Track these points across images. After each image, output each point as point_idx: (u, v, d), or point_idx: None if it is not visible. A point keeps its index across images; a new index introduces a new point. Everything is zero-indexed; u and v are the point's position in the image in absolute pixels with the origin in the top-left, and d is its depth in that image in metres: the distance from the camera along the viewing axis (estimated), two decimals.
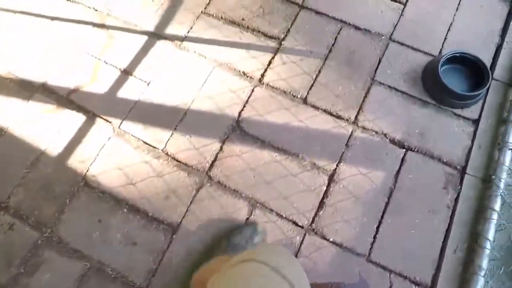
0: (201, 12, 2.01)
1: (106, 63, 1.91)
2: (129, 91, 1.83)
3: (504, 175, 1.46)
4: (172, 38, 1.95)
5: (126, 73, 1.87)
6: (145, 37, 1.96)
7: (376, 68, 1.80)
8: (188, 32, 1.96)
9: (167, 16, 2.01)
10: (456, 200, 1.53)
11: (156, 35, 1.96)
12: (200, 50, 1.90)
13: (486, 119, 1.65)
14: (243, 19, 1.97)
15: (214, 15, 2.00)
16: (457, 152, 1.62)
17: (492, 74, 1.72)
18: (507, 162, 1.48)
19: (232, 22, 1.98)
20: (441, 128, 1.67)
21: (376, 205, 1.56)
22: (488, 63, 1.78)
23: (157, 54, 1.90)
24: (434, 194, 1.55)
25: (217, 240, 1.49)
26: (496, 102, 1.69)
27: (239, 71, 1.84)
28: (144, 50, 1.92)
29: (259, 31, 1.94)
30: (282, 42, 1.89)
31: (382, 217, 1.54)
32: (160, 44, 1.93)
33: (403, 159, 1.63)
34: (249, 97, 1.77)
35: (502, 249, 1.44)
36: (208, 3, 2.03)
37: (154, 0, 2.06)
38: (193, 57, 1.89)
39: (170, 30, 1.97)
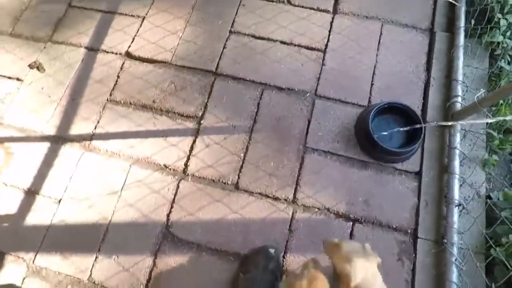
0: (107, 100, 1.78)
1: (6, 185, 1.65)
2: (39, 215, 1.58)
3: (455, 238, 1.36)
4: (78, 139, 1.72)
5: (32, 192, 1.62)
6: (47, 144, 1.71)
7: (307, 133, 1.65)
8: (96, 128, 1.73)
9: (69, 113, 1.77)
10: (413, 271, 1.41)
11: (59, 139, 1.72)
12: (112, 147, 1.68)
13: (428, 170, 1.55)
14: (154, 101, 1.77)
15: (122, 102, 1.77)
16: (405, 214, 1.50)
17: (425, 118, 1.62)
18: (456, 223, 1.38)
19: (143, 107, 1.76)
20: (385, 190, 1.55)
21: None
22: (419, 104, 1.68)
23: (64, 162, 1.66)
24: (390, 268, 1.43)
25: None
26: (434, 147, 1.59)
27: (160, 165, 1.64)
28: (49, 161, 1.67)
29: (174, 112, 1.74)
30: (201, 121, 1.70)
31: None
32: (66, 149, 1.69)
33: (351, 234, 1.49)
34: (175, 195, 1.58)
35: None
36: (113, 88, 1.81)
37: (50, 96, 1.81)
38: (105, 158, 1.66)
39: (74, 129, 1.73)
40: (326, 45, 1.84)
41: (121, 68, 1.86)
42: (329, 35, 1.86)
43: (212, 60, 1.84)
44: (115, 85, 1.82)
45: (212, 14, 1.96)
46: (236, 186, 1.58)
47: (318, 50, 1.83)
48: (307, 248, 1.48)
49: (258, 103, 1.73)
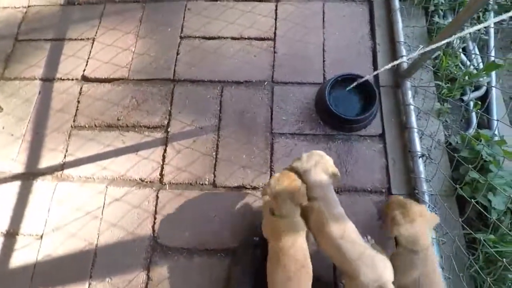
0: (71, 127, 1.78)
1: None
2: (23, 255, 1.56)
3: (424, 187, 1.44)
4: (49, 171, 1.70)
5: (11, 234, 1.60)
6: (18, 182, 1.69)
7: (271, 120, 1.70)
8: (65, 156, 1.72)
9: (35, 148, 1.75)
10: None
11: (30, 175, 1.70)
12: (85, 172, 1.68)
13: (389, 130, 1.63)
14: (118, 119, 1.77)
15: (87, 126, 1.77)
16: (377, 175, 1.58)
17: (378, 82, 1.70)
18: (422, 172, 1.47)
19: (109, 126, 1.77)
20: (354, 157, 1.62)
21: None
22: (370, 71, 1.76)
23: (39, 196, 1.65)
24: (373, 228, 1.50)
25: None
26: (391, 108, 1.68)
27: (135, 180, 1.65)
28: (23, 199, 1.65)
29: (140, 126, 1.75)
30: (168, 129, 1.73)
31: None
32: (38, 183, 1.68)
33: None
34: (156, 206, 1.59)
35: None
36: (75, 114, 1.81)
37: (13, 134, 1.79)
38: (80, 184, 1.66)
39: (43, 162, 1.72)
40: (275, 33, 1.90)
41: (80, 93, 1.86)
42: (275, 23, 1.92)
43: (168, 68, 1.86)
44: (77, 110, 1.81)
45: (160, 24, 1.99)
46: (214, 185, 1.61)
47: (268, 39, 1.89)
48: None
49: (220, 101, 1.77)
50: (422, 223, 1.14)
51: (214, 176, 1.63)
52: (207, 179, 1.62)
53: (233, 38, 1.91)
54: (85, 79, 1.88)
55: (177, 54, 1.89)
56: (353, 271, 1.08)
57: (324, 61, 1.81)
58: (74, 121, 1.79)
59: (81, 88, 1.86)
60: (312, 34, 1.87)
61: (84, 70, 1.89)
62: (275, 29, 1.91)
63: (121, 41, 1.96)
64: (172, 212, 1.58)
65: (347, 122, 1.61)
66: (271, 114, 1.72)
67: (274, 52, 1.85)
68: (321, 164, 1.24)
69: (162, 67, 1.87)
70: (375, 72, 1.48)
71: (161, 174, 1.65)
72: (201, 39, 1.92)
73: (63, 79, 1.90)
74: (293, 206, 1.16)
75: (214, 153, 1.67)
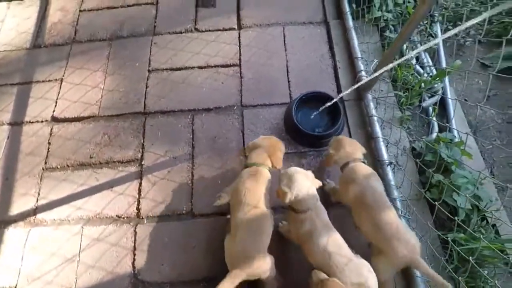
0: (43, 170, 1.75)
1: None
2: None
3: (395, 193, 1.49)
4: (21, 217, 1.66)
5: None
6: None
7: (244, 143, 1.74)
8: (37, 200, 1.68)
9: (5, 194, 1.70)
10: None
11: (0, 224, 1.64)
12: (59, 214, 1.64)
13: (357, 141, 1.69)
14: (91, 157, 1.76)
15: (59, 167, 1.75)
16: None
17: (342, 97, 1.78)
18: (392, 180, 1.52)
19: (81, 165, 1.75)
20: (326, 171, 1.65)
21: None
22: (334, 87, 1.84)
23: (11, 245, 1.59)
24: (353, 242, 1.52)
25: None
26: (357, 120, 1.74)
27: (112, 217, 1.63)
28: None
29: (113, 161, 1.75)
30: (142, 162, 1.73)
31: None
32: (10, 231, 1.62)
33: None
34: (135, 242, 1.56)
35: None
36: (46, 156, 1.78)
37: None
38: (54, 227, 1.61)
39: (14, 209, 1.67)
40: (240, 59, 1.97)
41: (51, 134, 1.84)
42: (239, 49, 2.00)
43: (138, 102, 1.89)
44: (48, 152, 1.79)
45: (128, 59, 2.03)
46: (192, 214, 1.61)
47: (234, 65, 1.96)
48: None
49: (192, 129, 1.80)
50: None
51: (192, 205, 1.63)
52: (185, 209, 1.62)
53: (200, 67, 1.96)
54: (55, 120, 1.88)
55: (146, 87, 1.92)
56: (340, 277, 1.13)
57: (289, 81, 1.88)
58: (45, 163, 1.77)
59: (51, 129, 1.85)
60: (275, 57, 1.95)
61: (53, 111, 1.89)
62: (240, 55, 1.98)
63: (90, 79, 1.98)
64: (151, 246, 1.56)
65: (317, 138, 1.66)
66: (243, 137, 1.76)
67: (241, 77, 1.91)
68: (304, 177, 1.29)
69: (132, 101, 1.89)
70: (341, 95, 1.55)
71: (138, 209, 1.63)
72: (168, 70, 1.97)
73: (32, 122, 1.88)
74: (266, 157, 1.40)
75: (189, 182, 1.67)
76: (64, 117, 1.88)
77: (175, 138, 1.78)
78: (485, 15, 0.73)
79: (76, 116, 1.87)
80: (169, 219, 1.61)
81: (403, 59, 1.24)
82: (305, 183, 1.25)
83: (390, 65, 1.27)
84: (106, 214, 1.63)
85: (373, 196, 1.25)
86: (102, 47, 2.06)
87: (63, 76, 2.00)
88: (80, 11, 2.20)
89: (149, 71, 1.98)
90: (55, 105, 1.92)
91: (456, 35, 1.98)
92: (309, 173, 1.31)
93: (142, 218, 1.62)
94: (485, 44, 2.00)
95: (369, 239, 1.30)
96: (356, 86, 1.45)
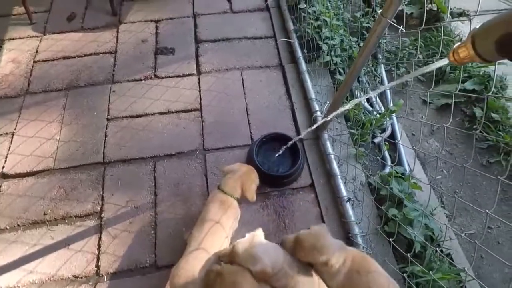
0: None
1: None
2: None
3: (356, 229, 1.54)
4: None
5: None
6: None
7: (207, 187, 1.74)
8: None
9: None
10: None
11: None
12: (9, 281, 1.50)
13: (318, 179, 1.76)
14: (45, 213, 1.67)
15: (8, 228, 1.63)
16: (313, 225, 1.65)
17: (301, 138, 1.86)
18: (352, 216, 1.57)
19: (34, 224, 1.65)
20: (291, 210, 1.68)
21: None
22: (292, 127, 1.92)
23: None
24: None
25: None
26: (316, 159, 1.82)
27: (69, 278, 1.52)
28: None
29: (70, 217, 1.66)
30: (102, 215, 1.66)
31: None
32: None
33: None
34: None
35: None
36: None
37: None
38: None
39: None
40: (200, 104, 2.01)
41: None
42: (200, 94, 2.05)
43: (97, 152, 1.84)
44: None
45: (85, 108, 2.00)
46: (156, 266, 1.55)
47: (194, 110, 1.99)
48: None
49: (154, 176, 1.77)
50: None
51: (155, 256, 1.57)
52: (148, 261, 1.56)
53: (161, 113, 1.98)
54: (4, 176, 1.77)
55: (105, 136, 1.89)
56: None
57: (249, 123, 1.94)
58: None
59: (0, 187, 1.74)
60: (235, 100, 2.02)
61: (3, 167, 1.79)
62: (201, 100, 2.03)
63: (44, 131, 1.91)
64: None
65: (279, 178, 1.70)
66: (207, 181, 1.76)
67: (202, 122, 1.95)
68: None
69: (90, 152, 1.84)
70: (298, 137, 1.62)
71: (98, 266, 1.54)
72: (128, 118, 1.96)
73: None
74: (238, 185, 1.42)
75: (152, 232, 1.62)
76: (14, 173, 1.78)
77: (137, 186, 1.74)
78: (432, 66, 0.85)
79: (28, 170, 1.78)
80: (131, 274, 1.53)
81: (351, 104, 1.32)
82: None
83: (341, 109, 1.37)
84: (62, 276, 1.52)
85: None
86: (57, 97, 2.03)
87: (15, 129, 1.92)
88: (34, 61, 2.17)
89: (108, 119, 1.96)
90: (5, 161, 1.81)
91: (399, 75, 2.18)
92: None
93: (102, 275, 1.52)
94: (425, 83, 2.21)
95: None
96: (312, 128, 1.52)
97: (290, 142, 1.67)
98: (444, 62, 0.82)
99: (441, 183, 1.81)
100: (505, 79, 2.11)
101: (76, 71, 2.14)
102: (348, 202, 1.61)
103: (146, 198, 1.71)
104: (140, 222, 1.65)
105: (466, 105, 2.11)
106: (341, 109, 1.36)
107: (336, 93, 1.53)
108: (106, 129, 1.92)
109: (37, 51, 2.22)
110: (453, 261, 1.48)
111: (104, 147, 1.86)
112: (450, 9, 2.44)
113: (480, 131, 1.91)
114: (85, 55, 2.20)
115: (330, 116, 1.42)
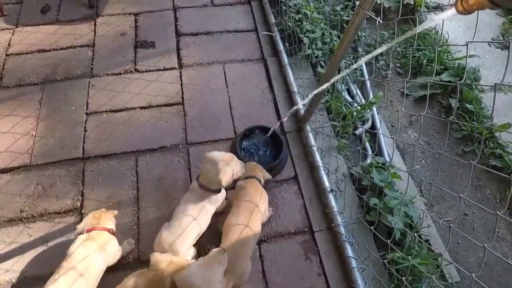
0: None
1: None
2: None
3: (339, 219, 1.57)
4: None
5: None
6: None
7: (191, 181, 1.72)
8: None
9: None
10: (321, 263, 1.56)
11: None
12: None
13: (301, 171, 1.77)
14: (22, 211, 1.61)
15: None
16: (297, 216, 1.67)
17: (284, 129, 1.87)
18: (335, 206, 1.61)
19: (10, 221, 1.59)
20: (275, 203, 1.69)
21: None
22: (275, 120, 1.93)
23: None
24: (302, 269, 1.55)
25: None
26: (299, 151, 1.83)
27: (48, 276, 1.47)
28: None
29: (49, 213, 1.62)
30: (82, 211, 1.62)
31: None
32: None
33: (260, 255, 1.57)
34: None
35: None
36: None
37: None
38: None
39: None
40: (183, 98, 1.99)
41: None
42: (182, 88, 2.03)
43: (76, 147, 1.79)
44: None
45: (63, 103, 1.94)
46: (139, 261, 1.53)
47: (176, 104, 1.97)
48: None
49: (136, 171, 1.74)
50: None
51: (138, 251, 1.55)
52: (131, 257, 1.53)
53: (142, 108, 1.94)
54: None
55: (85, 131, 1.85)
56: None
57: (232, 117, 1.94)
58: None
59: None
60: (217, 94, 2.01)
61: None
62: (183, 93, 2.00)
63: (20, 126, 1.84)
64: None
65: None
66: (190, 175, 1.75)
67: (185, 116, 1.93)
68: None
69: (69, 147, 1.79)
70: (278, 123, 1.64)
71: None
72: (108, 112, 1.91)
73: None
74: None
75: (135, 227, 1.60)
76: None
77: (118, 182, 1.71)
78: (379, 50, 0.87)
79: (3, 167, 1.72)
80: (113, 270, 1.51)
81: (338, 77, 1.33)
82: None
83: (325, 85, 1.37)
84: (40, 274, 1.48)
85: None
86: (33, 91, 1.96)
87: None
88: (6, 55, 2.08)
89: (87, 114, 1.91)
90: None
91: (378, 68, 2.22)
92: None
93: None
94: (404, 75, 2.27)
95: None
96: (288, 114, 1.54)
97: (270, 131, 1.67)
98: (425, 25, 0.82)
99: (420, 172, 1.87)
100: (478, 71, 2.19)
101: (52, 64, 2.07)
102: (331, 193, 1.64)
103: (128, 193, 1.68)
104: (122, 217, 1.61)
105: (442, 96, 2.18)
106: (326, 85, 1.37)
107: (317, 90, 1.53)
108: (85, 123, 1.87)
109: (9, 44, 2.14)
110: (431, 246, 1.53)
111: (84, 142, 1.81)
112: (426, 3, 2.50)
113: (454, 119, 1.97)
114: (62, 49, 2.13)
115: (315, 92, 1.42)
